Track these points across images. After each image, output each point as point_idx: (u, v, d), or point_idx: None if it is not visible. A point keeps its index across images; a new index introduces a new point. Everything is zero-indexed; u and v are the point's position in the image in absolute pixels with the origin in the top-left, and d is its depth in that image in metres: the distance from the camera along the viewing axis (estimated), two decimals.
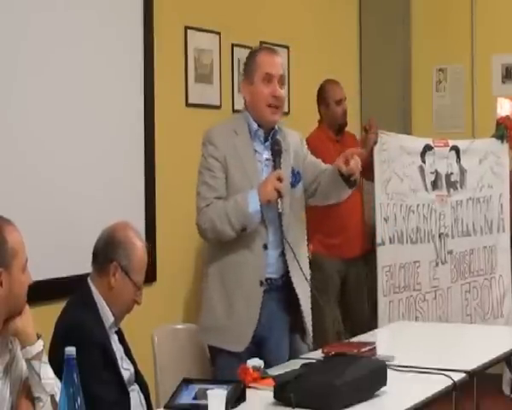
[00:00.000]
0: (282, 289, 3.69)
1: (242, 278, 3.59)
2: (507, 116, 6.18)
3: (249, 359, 3.28)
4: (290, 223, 3.65)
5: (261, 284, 3.61)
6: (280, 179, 3.53)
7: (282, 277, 3.68)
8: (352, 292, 5.57)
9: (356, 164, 3.49)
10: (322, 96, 5.69)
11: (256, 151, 3.68)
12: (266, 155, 3.69)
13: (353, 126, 5.86)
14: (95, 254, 3.23)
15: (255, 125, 3.68)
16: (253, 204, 3.52)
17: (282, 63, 3.75)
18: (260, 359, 3.24)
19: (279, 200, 3.53)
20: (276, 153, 3.62)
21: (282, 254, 3.66)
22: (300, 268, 3.60)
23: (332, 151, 5.59)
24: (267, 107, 3.65)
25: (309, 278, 3.71)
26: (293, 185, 3.69)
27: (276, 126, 3.73)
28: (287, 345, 3.75)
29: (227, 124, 3.80)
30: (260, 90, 3.66)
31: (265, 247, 3.62)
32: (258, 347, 3.62)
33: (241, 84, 3.78)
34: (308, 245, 5.68)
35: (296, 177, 3.72)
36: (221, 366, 3.62)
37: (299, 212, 3.77)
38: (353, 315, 5.51)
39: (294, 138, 3.82)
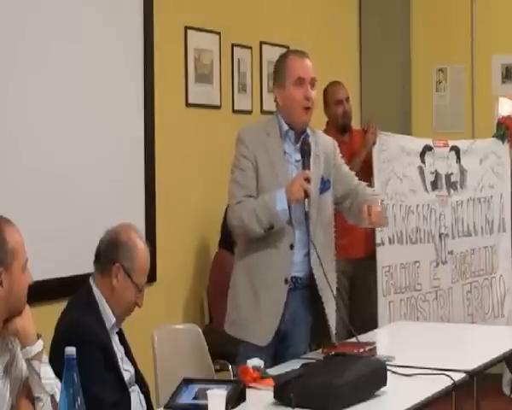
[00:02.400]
0: (307, 287, 3.76)
1: (268, 276, 3.68)
2: (508, 116, 6.17)
3: (273, 353, 3.49)
4: (317, 226, 3.72)
5: (286, 281, 3.68)
6: (307, 180, 3.59)
7: (307, 276, 3.75)
8: (361, 292, 5.57)
9: (377, 218, 3.62)
10: (325, 98, 5.69)
11: (286, 153, 3.74)
12: (297, 156, 3.73)
13: (354, 126, 5.85)
14: (97, 255, 3.22)
15: (286, 127, 3.75)
16: (281, 203, 3.58)
17: (311, 66, 3.79)
18: (280, 353, 3.37)
19: (306, 200, 3.59)
20: (305, 153, 3.69)
21: (308, 254, 3.72)
22: (323, 270, 3.67)
23: None
24: (302, 109, 3.71)
25: (335, 281, 3.80)
26: (321, 192, 3.75)
27: (309, 130, 3.78)
28: (306, 343, 3.83)
29: (259, 125, 3.88)
30: (293, 94, 3.72)
31: (292, 247, 3.68)
32: (280, 342, 3.72)
33: (274, 89, 3.83)
34: None
35: (325, 184, 3.78)
36: (245, 358, 3.64)
37: (327, 219, 3.81)
38: (363, 315, 5.50)
39: (327, 145, 3.87)
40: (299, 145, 3.73)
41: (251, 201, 3.65)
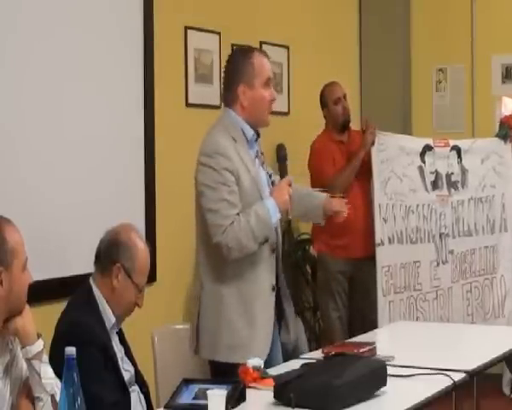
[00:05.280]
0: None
1: (259, 288, 3.58)
2: (510, 116, 6.16)
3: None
4: None
5: (273, 289, 3.62)
6: (290, 185, 3.56)
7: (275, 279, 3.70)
8: (360, 292, 5.57)
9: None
10: (322, 100, 5.70)
11: (256, 156, 3.66)
12: (257, 155, 3.68)
13: (353, 127, 5.85)
14: (97, 255, 3.23)
15: (251, 131, 3.62)
16: (275, 214, 3.51)
17: None
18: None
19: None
20: (282, 158, 3.63)
21: (277, 258, 3.68)
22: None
23: (337, 154, 5.59)
24: (268, 110, 3.63)
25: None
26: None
27: None
28: (279, 342, 3.73)
29: (223, 131, 3.62)
30: (263, 96, 3.60)
31: (273, 251, 3.63)
32: None
33: (236, 88, 3.60)
34: (313, 245, 5.73)
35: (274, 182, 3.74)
36: None
37: None
38: (362, 315, 5.50)
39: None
40: (255, 145, 3.64)
41: (242, 218, 3.48)
